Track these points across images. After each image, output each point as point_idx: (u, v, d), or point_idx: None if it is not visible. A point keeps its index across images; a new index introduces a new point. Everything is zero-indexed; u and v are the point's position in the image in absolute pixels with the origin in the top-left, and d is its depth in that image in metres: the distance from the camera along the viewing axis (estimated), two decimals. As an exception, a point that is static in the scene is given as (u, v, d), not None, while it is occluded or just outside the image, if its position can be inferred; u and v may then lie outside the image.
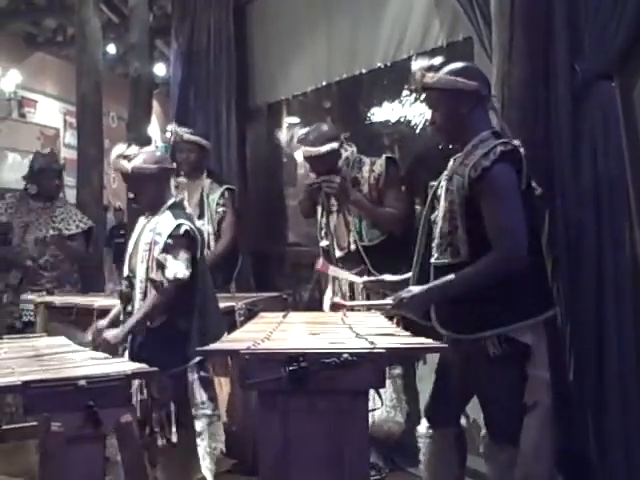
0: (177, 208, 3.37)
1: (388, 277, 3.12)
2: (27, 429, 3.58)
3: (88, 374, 2.49)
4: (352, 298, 3.83)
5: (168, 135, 4.69)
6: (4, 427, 3.59)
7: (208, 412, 3.41)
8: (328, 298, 4.03)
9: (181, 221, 3.25)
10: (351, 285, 3.86)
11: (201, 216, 4.63)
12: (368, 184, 3.84)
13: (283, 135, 3.91)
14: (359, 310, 3.25)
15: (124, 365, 2.72)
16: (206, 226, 4.59)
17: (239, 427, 3.77)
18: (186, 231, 3.23)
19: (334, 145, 3.81)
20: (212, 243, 4.62)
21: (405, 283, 2.80)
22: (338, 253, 3.92)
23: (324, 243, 4.00)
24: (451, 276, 2.55)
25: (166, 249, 3.20)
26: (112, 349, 3.28)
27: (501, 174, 2.49)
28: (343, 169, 3.88)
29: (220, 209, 4.65)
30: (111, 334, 3.28)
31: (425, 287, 2.61)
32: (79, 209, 5.60)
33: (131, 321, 3.26)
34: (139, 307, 3.27)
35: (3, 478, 3.63)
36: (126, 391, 2.57)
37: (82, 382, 2.40)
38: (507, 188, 2.50)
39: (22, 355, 2.99)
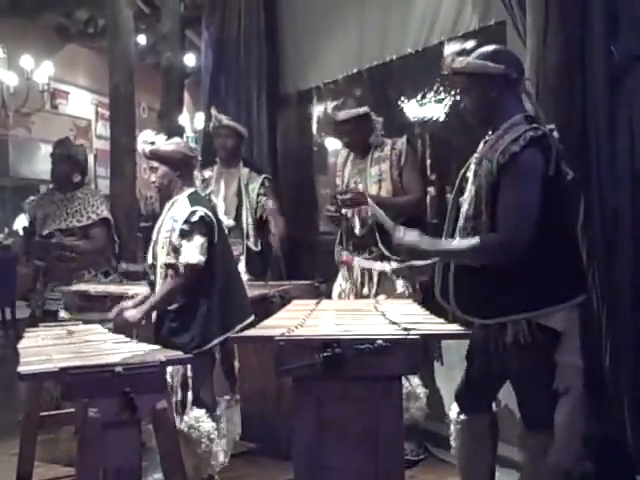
0: (196, 197, 3.40)
1: (417, 262, 3.26)
2: (63, 416, 3.65)
3: (124, 361, 2.53)
4: (362, 285, 3.95)
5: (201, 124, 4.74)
6: (41, 414, 3.65)
7: (227, 396, 3.45)
8: (338, 285, 4.10)
9: (196, 207, 3.29)
10: (363, 272, 3.96)
11: (240, 206, 4.65)
12: (390, 160, 3.96)
13: (318, 114, 4.00)
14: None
15: (159, 351, 2.75)
16: (244, 216, 4.62)
17: (256, 410, 3.79)
18: (201, 217, 3.26)
19: (367, 108, 4.01)
20: (251, 233, 4.63)
21: (432, 268, 2.81)
22: (358, 230, 3.99)
23: (344, 225, 4.08)
24: (450, 240, 2.61)
25: (182, 235, 3.25)
26: (128, 329, 3.34)
27: (528, 160, 2.47)
28: (376, 132, 4.03)
29: (262, 198, 4.68)
30: (129, 313, 3.33)
31: (420, 239, 2.65)
32: (112, 199, 5.63)
33: (148, 303, 3.31)
34: (158, 291, 3.33)
35: (40, 465, 3.69)
36: (162, 377, 2.60)
37: (119, 368, 2.43)
38: (528, 174, 2.47)
39: (58, 342, 3.03)
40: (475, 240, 2.52)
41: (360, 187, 4.00)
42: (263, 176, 4.77)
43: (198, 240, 3.23)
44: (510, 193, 2.48)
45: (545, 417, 2.51)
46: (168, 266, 3.28)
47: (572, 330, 2.52)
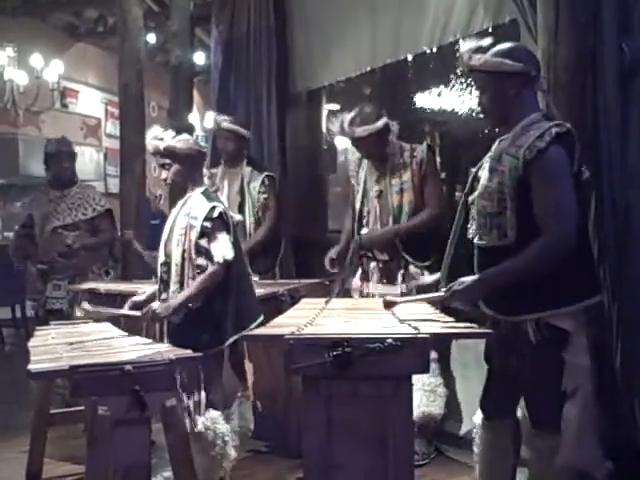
0: (210, 193, 3.39)
1: (428, 278, 3.46)
2: (73, 414, 3.66)
3: (134, 359, 2.53)
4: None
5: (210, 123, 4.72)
6: (51, 411, 3.66)
7: (238, 393, 3.44)
8: (356, 279, 4.10)
9: (215, 203, 3.27)
10: (385, 265, 3.95)
11: (242, 204, 4.65)
12: (411, 170, 3.90)
13: (333, 123, 3.90)
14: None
15: (169, 350, 2.75)
16: (247, 215, 4.62)
17: (266, 409, 3.79)
18: (220, 213, 3.25)
19: (385, 119, 3.90)
20: (252, 232, 4.65)
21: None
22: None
23: (364, 231, 4.03)
24: (504, 265, 2.51)
25: (204, 233, 3.22)
26: (156, 321, 3.30)
27: (556, 156, 2.45)
28: (394, 141, 3.97)
29: (262, 197, 4.68)
30: (160, 306, 3.26)
31: (476, 277, 2.56)
32: (122, 198, 5.64)
33: (180, 297, 3.23)
34: (188, 286, 3.24)
35: (50, 462, 3.70)
36: (171, 376, 2.59)
37: (128, 367, 2.43)
38: (560, 171, 2.45)
39: (69, 340, 3.04)
40: (529, 252, 2.45)
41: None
42: (264, 174, 4.75)
43: (225, 236, 3.22)
44: (546, 193, 2.45)
45: (554, 418, 2.49)
46: (198, 267, 3.22)
47: (580, 330, 2.50)
